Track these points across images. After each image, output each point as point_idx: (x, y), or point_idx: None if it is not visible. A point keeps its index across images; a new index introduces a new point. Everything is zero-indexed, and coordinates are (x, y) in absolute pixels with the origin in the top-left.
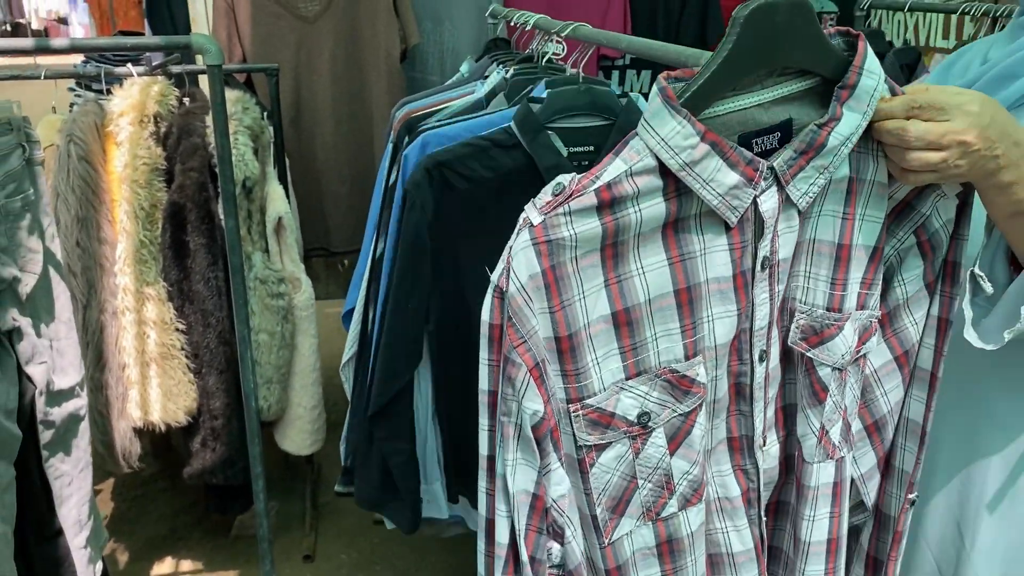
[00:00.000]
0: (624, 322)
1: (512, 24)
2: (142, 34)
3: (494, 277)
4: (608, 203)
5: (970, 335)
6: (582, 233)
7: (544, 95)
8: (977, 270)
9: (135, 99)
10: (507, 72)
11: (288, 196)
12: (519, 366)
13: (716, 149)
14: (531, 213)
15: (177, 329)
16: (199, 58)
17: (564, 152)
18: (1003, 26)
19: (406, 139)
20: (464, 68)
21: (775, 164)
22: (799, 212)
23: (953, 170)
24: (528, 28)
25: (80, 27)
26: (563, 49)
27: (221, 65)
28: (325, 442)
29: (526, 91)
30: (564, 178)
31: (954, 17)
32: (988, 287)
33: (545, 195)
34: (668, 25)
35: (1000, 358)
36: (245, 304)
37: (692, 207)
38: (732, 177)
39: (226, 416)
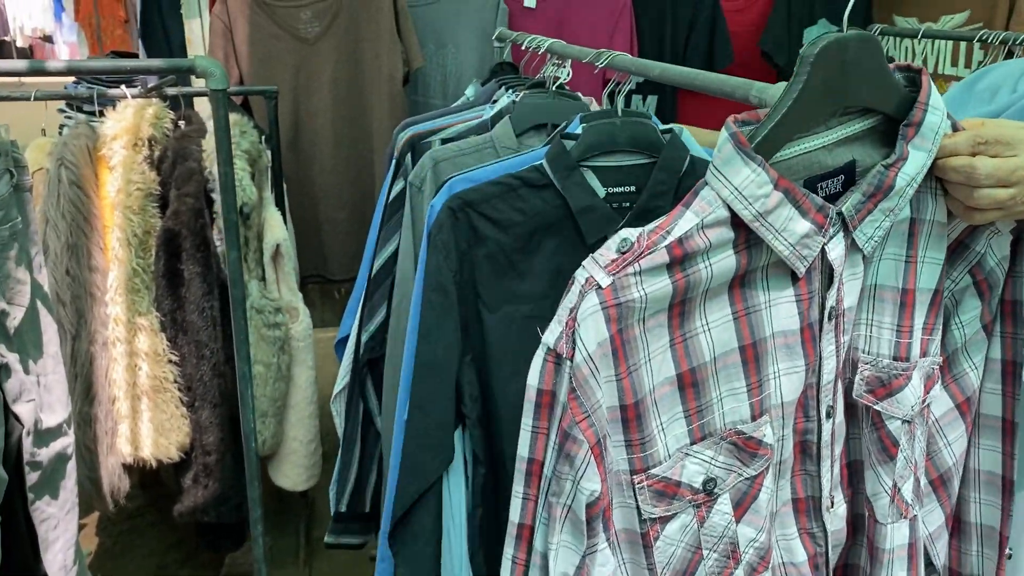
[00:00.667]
0: (689, 383)
1: (523, 48)
2: (134, 55)
3: (549, 339)
4: (679, 259)
5: None
6: (652, 293)
7: (578, 131)
8: None
9: (129, 122)
10: (517, 96)
11: (286, 221)
12: (581, 443)
13: (789, 197)
14: (596, 272)
15: (170, 361)
16: (194, 79)
17: (601, 192)
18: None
19: (408, 155)
20: (469, 92)
21: (843, 209)
22: (863, 257)
23: (1020, 207)
24: (540, 53)
25: (65, 46)
26: (569, 75)
27: (226, 90)
28: (321, 478)
29: (561, 127)
30: (630, 233)
31: (963, 44)
32: None
33: (609, 252)
34: (675, 47)
35: None
36: (246, 340)
37: (761, 259)
38: (803, 225)
39: (220, 452)
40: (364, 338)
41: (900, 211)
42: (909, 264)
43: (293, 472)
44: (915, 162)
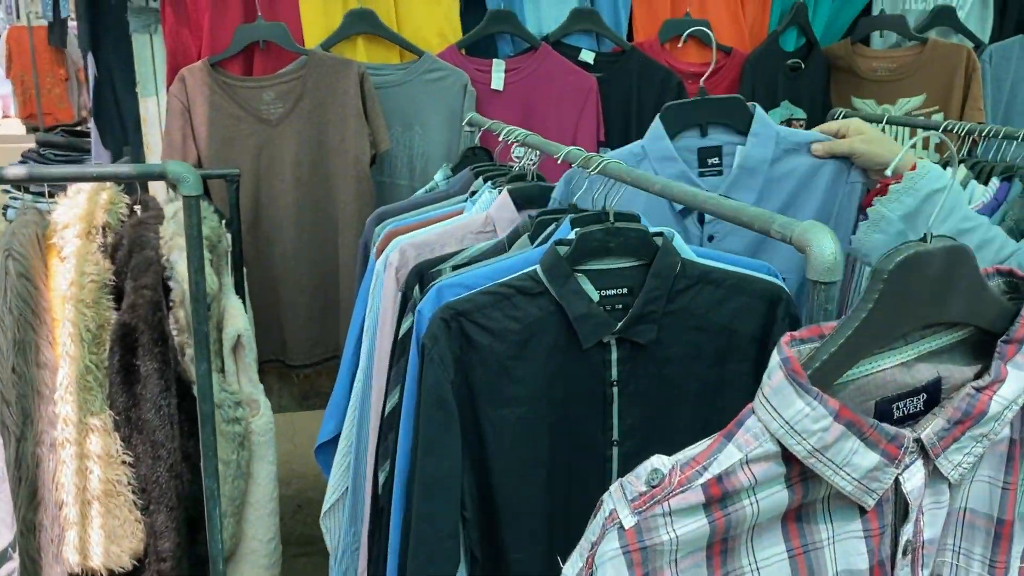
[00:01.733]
0: None
1: (500, 138)
2: (82, 133)
3: (569, 573)
4: (718, 498)
5: None
6: (685, 535)
7: (570, 235)
8: None
9: (82, 208)
10: (497, 189)
11: (245, 307)
12: None
13: (853, 429)
14: (620, 508)
15: (124, 462)
16: (147, 154)
17: (595, 296)
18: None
19: (416, 288)
20: (439, 177)
21: (923, 436)
22: (949, 484)
23: None
24: (518, 144)
25: None
26: (534, 154)
27: (200, 196)
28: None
29: (550, 230)
30: (662, 463)
31: (919, 131)
32: None
33: (639, 482)
34: (641, 127)
35: None
36: (215, 455)
37: (820, 491)
38: (871, 458)
39: (175, 558)
40: (381, 479)
41: (996, 435)
42: (1007, 491)
43: (252, 573)
44: (1015, 384)
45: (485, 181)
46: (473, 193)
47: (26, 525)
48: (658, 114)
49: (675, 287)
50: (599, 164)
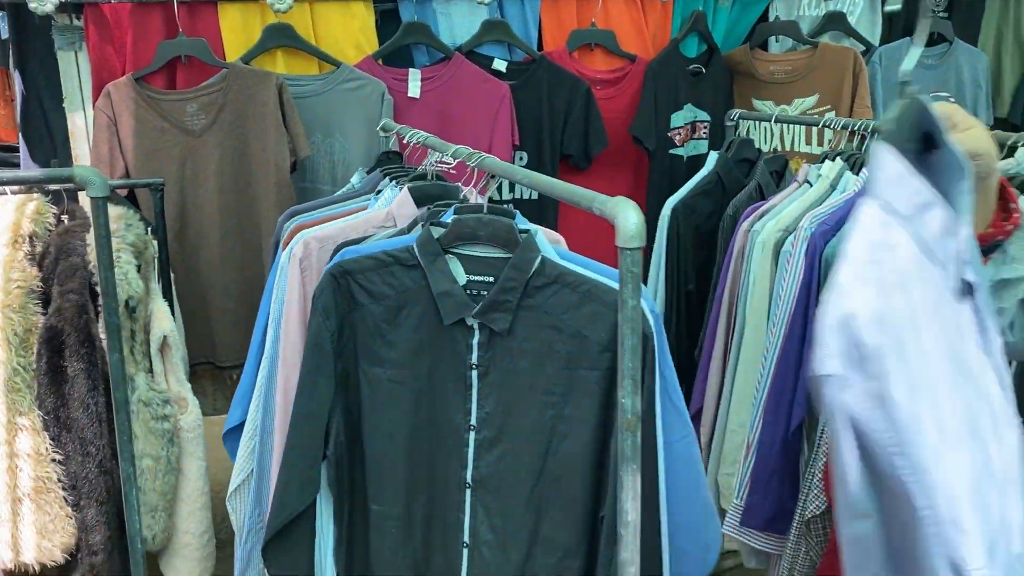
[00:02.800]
0: None
1: (404, 141)
2: (14, 148)
3: None
4: None
5: None
6: None
7: (449, 220)
8: None
9: (10, 219)
10: (399, 186)
11: (173, 312)
12: None
13: None
14: None
15: (54, 460)
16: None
17: (463, 279)
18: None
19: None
20: (355, 179)
21: None
22: None
23: None
24: (420, 145)
25: None
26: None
27: (107, 197)
28: (215, 571)
29: (432, 213)
30: None
31: (815, 128)
32: None
33: None
34: (553, 134)
35: None
36: (130, 441)
37: None
38: None
39: (107, 551)
40: None
41: None
42: None
43: (186, 567)
44: None
45: (391, 181)
46: (379, 192)
47: None
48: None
49: (533, 283)
50: (478, 159)
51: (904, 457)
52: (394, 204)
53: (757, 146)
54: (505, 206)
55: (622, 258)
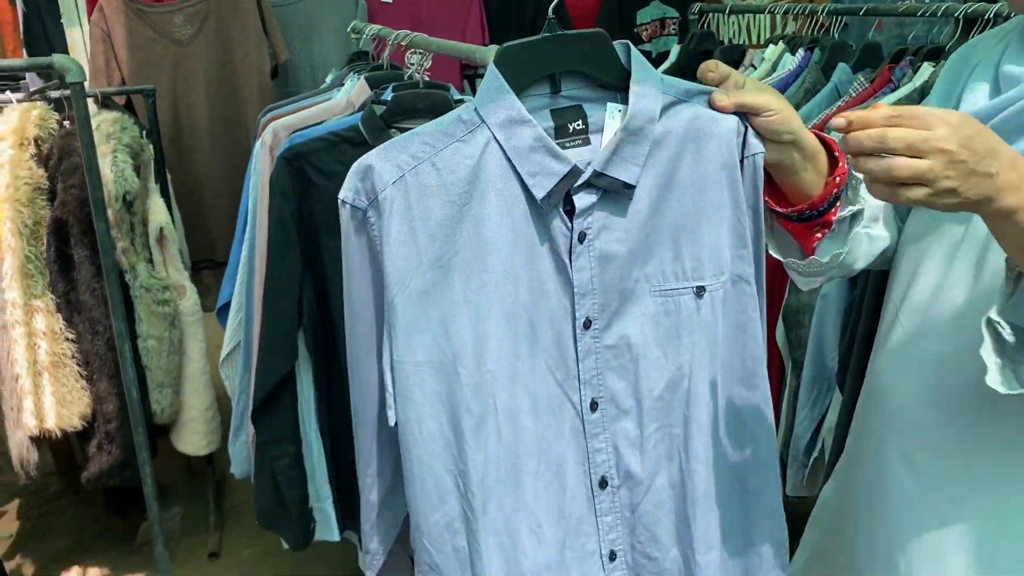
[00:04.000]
0: None
1: (365, 36)
2: None
3: None
4: None
5: (992, 382)
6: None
7: (388, 98)
8: (995, 316)
9: (15, 124)
10: (358, 78)
11: (171, 210)
12: None
13: None
14: None
15: (67, 339)
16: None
17: None
18: (823, 27)
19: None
20: (329, 79)
21: None
22: None
23: (944, 182)
24: (373, 36)
25: None
26: (424, 59)
27: (83, 83)
28: (221, 443)
29: (374, 93)
30: None
31: (779, 17)
32: (1009, 337)
33: None
34: (522, 32)
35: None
36: (122, 303)
37: None
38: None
39: (119, 419)
40: None
41: None
42: None
43: (193, 438)
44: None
45: (354, 74)
46: (343, 84)
47: None
48: (492, 61)
49: None
50: (408, 38)
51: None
52: (353, 92)
53: (720, 39)
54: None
55: None
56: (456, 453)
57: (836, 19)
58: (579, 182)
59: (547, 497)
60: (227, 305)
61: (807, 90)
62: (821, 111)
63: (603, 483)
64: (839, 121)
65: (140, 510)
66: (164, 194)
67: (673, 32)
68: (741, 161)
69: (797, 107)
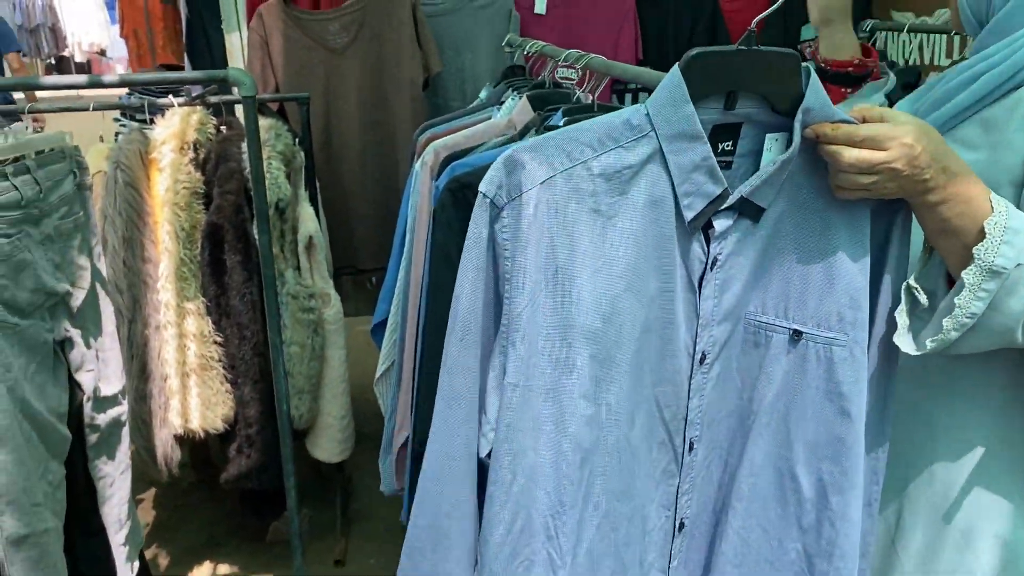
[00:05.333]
0: None
1: (525, 53)
2: (181, 68)
3: None
4: None
5: (900, 340)
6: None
7: (560, 123)
8: (913, 282)
9: (176, 128)
10: (521, 97)
11: (319, 217)
12: None
13: None
14: None
15: (215, 342)
16: (234, 89)
17: None
18: None
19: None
20: (483, 94)
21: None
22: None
23: (883, 191)
24: (538, 54)
25: (118, 63)
26: (577, 74)
27: (255, 96)
28: (354, 452)
29: (544, 118)
30: None
31: (957, 38)
32: (923, 299)
33: None
34: (678, 47)
35: (939, 369)
36: (277, 314)
37: None
38: None
39: (260, 424)
40: None
41: None
42: None
43: (328, 445)
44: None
45: (513, 91)
46: (502, 102)
47: (138, 394)
48: (677, 65)
49: None
50: (584, 60)
51: None
52: (515, 112)
53: (892, 60)
54: None
55: None
56: (552, 490)
57: None
58: (723, 206)
59: (633, 543)
60: (382, 323)
61: None
62: None
63: (681, 527)
64: (808, 132)
65: (273, 511)
66: (312, 201)
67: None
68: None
69: None
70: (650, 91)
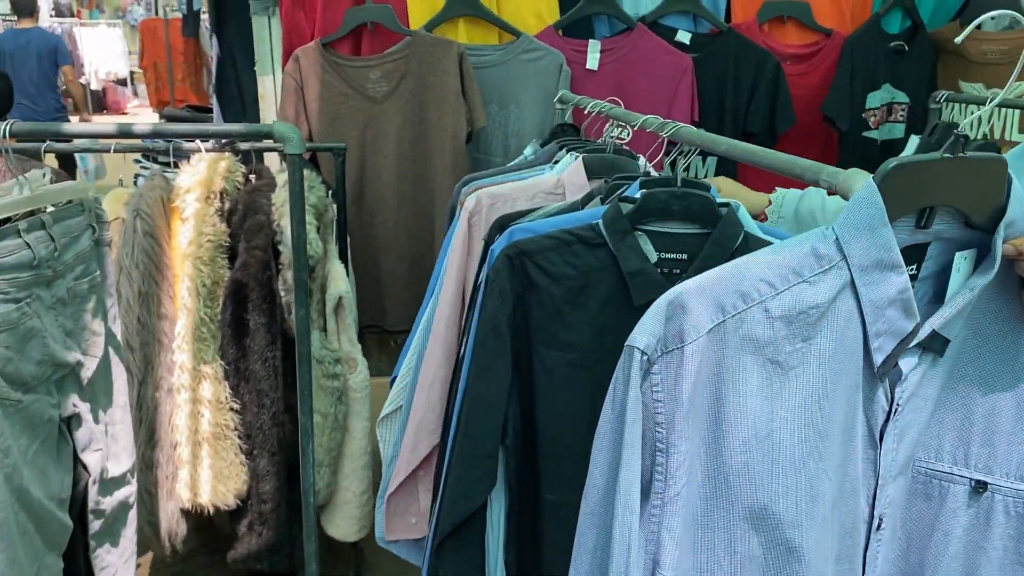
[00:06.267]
0: None
1: (586, 112)
2: (203, 105)
3: None
4: None
5: None
6: None
7: (637, 195)
8: None
9: (202, 175)
10: (576, 158)
11: (348, 274)
12: None
13: None
14: None
15: (232, 409)
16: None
17: (653, 257)
18: None
19: (496, 236)
20: (528, 151)
21: None
22: None
23: None
24: (602, 116)
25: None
26: (628, 134)
27: (302, 154)
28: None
29: (621, 190)
30: None
31: None
32: None
33: None
34: (736, 109)
35: None
36: (310, 395)
37: None
38: None
39: (275, 501)
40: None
41: None
42: None
43: (345, 523)
44: None
45: (567, 152)
46: (556, 162)
47: (144, 462)
48: (872, 179)
49: (734, 259)
50: (672, 129)
51: None
52: (565, 172)
53: (965, 133)
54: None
55: None
56: None
57: None
58: (912, 343)
59: None
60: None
61: None
62: None
63: None
64: (1008, 248)
65: None
66: (343, 257)
67: (901, 118)
68: None
69: None
70: (703, 155)
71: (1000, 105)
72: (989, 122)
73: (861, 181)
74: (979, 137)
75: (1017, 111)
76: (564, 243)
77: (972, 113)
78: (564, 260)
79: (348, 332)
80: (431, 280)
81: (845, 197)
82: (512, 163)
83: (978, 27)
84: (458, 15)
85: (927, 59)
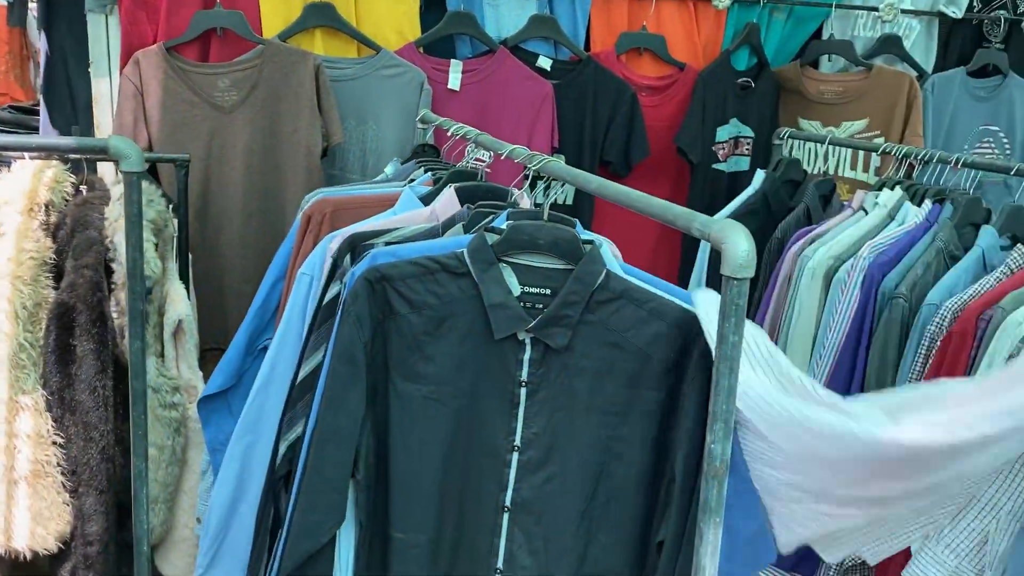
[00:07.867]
0: None
1: (449, 134)
2: (30, 104)
3: None
4: None
5: None
6: None
7: (503, 226)
8: None
9: (26, 185)
10: (434, 177)
11: (189, 294)
12: None
13: None
14: None
15: (54, 443)
16: (97, 135)
17: (517, 290)
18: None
19: (347, 258)
20: (389, 170)
21: None
22: None
23: None
24: (468, 141)
25: None
26: (490, 157)
27: (141, 172)
28: None
29: (487, 220)
30: None
31: (861, 152)
32: None
33: None
34: (595, 138)
35: None
36: (144, 436)
37: None
38: None
39: (103, 542)
40: (282, 448)
41: None
42: None
43: (182, 561)
44: None
45: (425, 172)
46: (411, 180)
47: None
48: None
49: (596, 298)
50: (540, 162)
51: None
52: (439, 204)
53: (804, 168)
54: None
55: (727, 288)
56: None
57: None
58: None
59: None
60: (213, 396)
61: (939, 250)
62: (965, 284)
63: None
64: None
65: None
66: (183, 275)
67: (746, 152)
68: None
69: (934, 274)
70: (557, 179)
71: (839, 144)
72: (825, 162)
73: (736, 233)
74: (816, 172)
75: (849, 151)
76: (428, 271)
77: (810, 150)
78: (427, 288)
79: (188, 358)
80: (260, 288)
81: (717, 247)
82: (369, 183)
83: (816, 68)
84: (315, 25)
85: (771, 96)
